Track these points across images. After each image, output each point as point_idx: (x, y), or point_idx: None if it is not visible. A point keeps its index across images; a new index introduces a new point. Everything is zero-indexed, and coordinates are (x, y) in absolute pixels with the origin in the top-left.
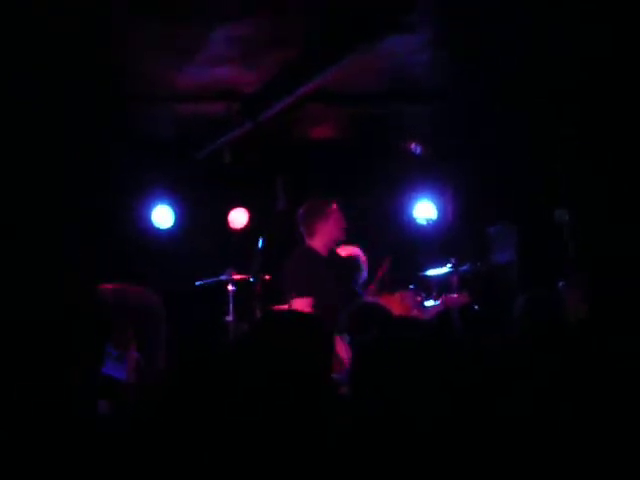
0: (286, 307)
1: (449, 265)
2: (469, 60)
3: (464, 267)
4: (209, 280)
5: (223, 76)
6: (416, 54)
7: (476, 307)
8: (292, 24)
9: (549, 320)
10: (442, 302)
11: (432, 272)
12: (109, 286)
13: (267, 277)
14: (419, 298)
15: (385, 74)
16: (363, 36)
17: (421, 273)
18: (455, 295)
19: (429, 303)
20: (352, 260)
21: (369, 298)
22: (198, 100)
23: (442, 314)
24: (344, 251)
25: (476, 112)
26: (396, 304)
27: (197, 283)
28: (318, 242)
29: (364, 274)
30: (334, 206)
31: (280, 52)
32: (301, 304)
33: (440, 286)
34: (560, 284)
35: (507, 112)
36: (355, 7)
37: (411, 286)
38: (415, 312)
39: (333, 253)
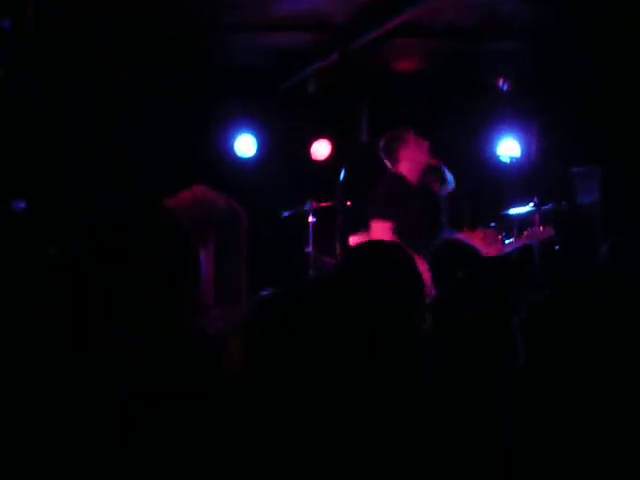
0: (363, 235)
1: (532, 204)
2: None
3: (547, 206)
4: (292, 211)
5: (312, 6)
6: None
7: (557, 247)
8: None
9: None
10: (526, 235)
11: (514, 211)
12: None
13: (348, 204)
14: (500, 236)
15: (475, 9)
16: None
17: (503, 212)
18: (540, 228)
19: (510, 241)
20: (435, 166)
21: (454, 235)
22: (286, 29)
23: (524, 250)
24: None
25: (567, 51)
26: (477, 241)
27: (284, 214)
28: (405, 169)
29: (450, 181)
30: (413, 133)
31: None
32: (381, 228)
33: (522, 225)
34: None
35: (598, 53)
36: None
37: (492, 224)
38: (496, 248)
39: (424, 185)
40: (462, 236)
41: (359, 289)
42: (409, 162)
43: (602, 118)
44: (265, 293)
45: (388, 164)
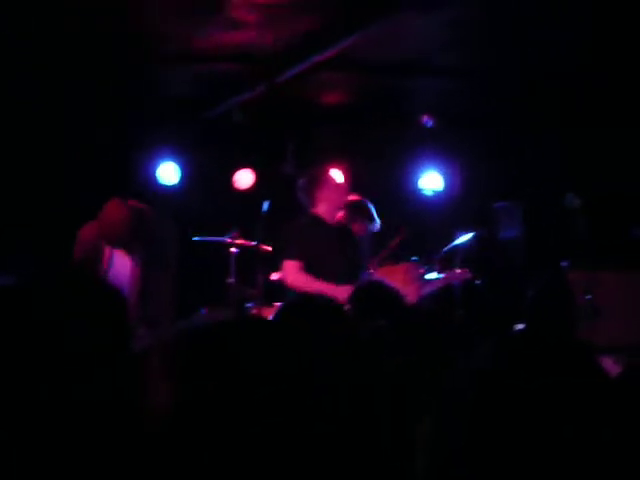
0: (278, 273)
1: (454, 239)
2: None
3: (469, 242)
4: (210, 238)
5: (241, 38)
6: (434, 29)
7: (478, 282)
8: None
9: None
10: (445, 277)
11: (437, 247)
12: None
13: (270, 241)
14: (421, 271)
15: (401, 46)
16: (384, 9)
17: (426, 246)
18: (458, 270)
19: (431, 276)
20: (361, 204)
21: (375, 275)
22: (214, 60)
23: (444, 289)
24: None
25: (490, 91)
26: (399, 276)
27: (196, 238)
28: (322, 209)
29: (375, 223)
30: (332, 174)
31: (300, 18)
32: (291, 267)
33: (442, 259)
34: (564, 264)
35: (522, 94)
36: None
37: (414, 258)
38: (416, 285)
39: (341, 225)
40: (383, 274)
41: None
42: (326, 202)
43: (523, 153)
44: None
45: (306, 204)
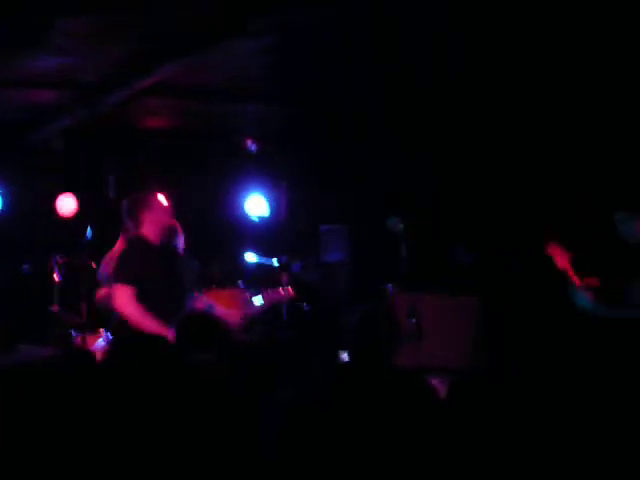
0: (105, 294)
1: (278, 261)
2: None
3: (295, 265)
4: (36, 267)
5: (58, 65)
6: (256, 57)
7: (305, 305)
8: (133, 22)
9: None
10: (268, 299)
11: (256, 260)
12: None
13: (94, 266)
14: (247, 295)
15: (224, 73)
16: (206, 38)
17: (251, 270)
18: (279, 290)
19: (256, 299)
20: (172, 227)
21: (201, 304)
22: (35, 86)
23: (270, 310)
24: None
25: (315, 116)
26: (225, 301)
27: (24, 267)
28: (147, 230)
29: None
30: (157, 196)
31: (121, 46)
32: (123, 292)
33: (268, 282)
34: (389, 287)
35: (345, 119)
36: (200, 9)
37: (239, 282)
38: (243, 310)
39: (167, 245)
40: (209, 298)
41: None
42: (151, 224)
43: (348, 178)
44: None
45: (130, 226)
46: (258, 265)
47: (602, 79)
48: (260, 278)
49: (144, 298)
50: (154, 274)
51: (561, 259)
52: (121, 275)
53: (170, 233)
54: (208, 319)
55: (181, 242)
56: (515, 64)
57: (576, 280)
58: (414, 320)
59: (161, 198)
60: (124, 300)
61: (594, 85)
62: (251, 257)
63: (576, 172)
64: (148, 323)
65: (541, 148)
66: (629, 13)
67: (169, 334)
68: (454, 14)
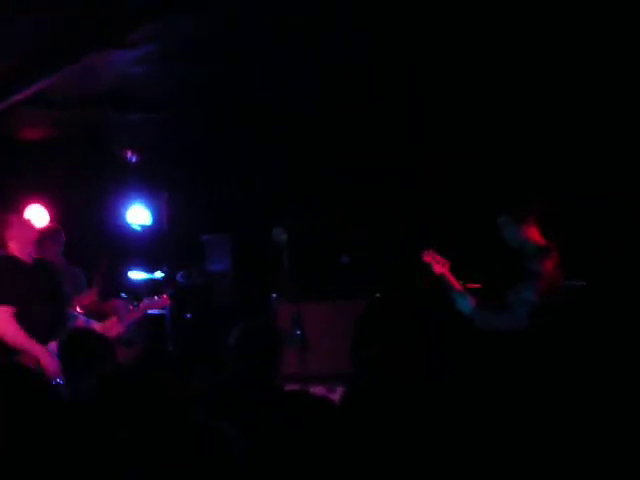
0: None
1: (160, 272)
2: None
3: (178, 275)
4: None
5: None
6: (134, 66)
7: (189, 315)
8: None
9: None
10: (143, 305)
11: (140, 276)
12: None
13: None
14: (131, 307)
15: (102, 81)
16: (82, 49)
17: (130, 277)
18: (155, 298)
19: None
20: (51, 229)
21: (80, 322)
22: None
23: (155, 320)
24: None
25: (195, 125)
26: (108, 312)
27: None
28: (15, 249)
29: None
30: (17, 213)
31: None
32: (3, 314)
33: (152, 293)
34: (274, 296)
35: (227, 129)
36: (72, 22)
37: (123, 294)
38: (121, 321)
39: (40, 261)
40: (85, 320)
41: None
42: (17, 242)
43: (230, 187)
44: None
45: None
46: (143, 280)
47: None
48: (144, 291)
49: (20, 318)
50: (28, 293)
51: (437, 266)
52: None
53: (51, 238)
54: (92, 336)
55: (61, 244)
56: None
57: (457, 285)
58: (298, 331)
59: (25, 214)
60: (3, 321)
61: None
62: (136, 274)
63: (459, 173)
64: (30, 345)
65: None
66: None
67: (45, 355)
68: None
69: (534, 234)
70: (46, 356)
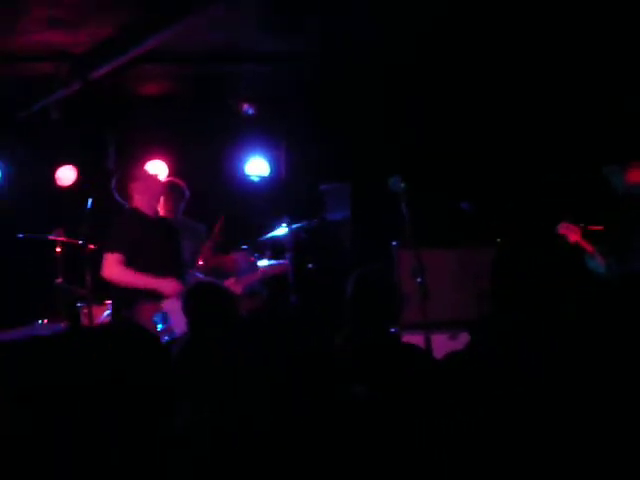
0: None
1: (283, 224)
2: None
3: (298, 225)
4: (34, 235)
5: (50, 37)
6: (250, 18)
7: (310, 265)
8: None
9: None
10: (262, 270)
11: (267, 233)
12: None
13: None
14: (252, 259)
15: (216, 35)
16: (196, 3)
17: (258, 236)
18: (276, 263)
19: (263, 263)
20: (174, 183)
21: (203, 268)
22: (25, 60)
23: (277, 277)
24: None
25: (309, 75)
26: (230, 265)
27: (19, 235)
28: (139, 203)
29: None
30: (143, 167)
31: (110, 15)
32: (110, 260)
33: (275, 245)
34: (394, 244)
35: (342, 77)
36: None
37: (244, 246)
38: (244, 276)
39: (161, 217)
40: (212, 265)
41: None
42: (142, 196)
43: (348, 136)
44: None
45: (123, 200)
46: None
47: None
48: (266, 243)
49: (142, 268)
50: (149, 245)
51: (573, 235)
52: (109, 244)
53: (173, 194)
54: (216, 289)
55: (183, 201)
56: None
57: (588, 247)
58: (419, 279)
59: (150, 168)
60: (111, 267)
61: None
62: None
63: (563, 127)
64: (141, 280)
65: (532, 102)
66: None
67: (167, 283)
68: None
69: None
70: (160, 282)
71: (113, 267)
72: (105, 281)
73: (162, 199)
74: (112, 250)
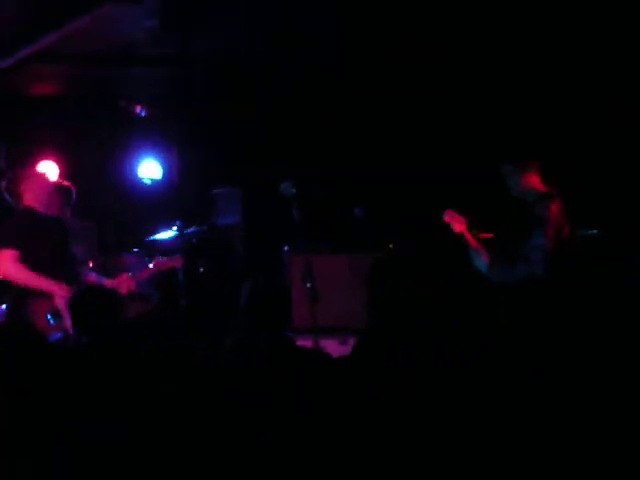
0: None
1: (175, 228)
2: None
3: (190, 229)
4: None
5: None
6: (142, 20)
7: (201, 269)
8: None
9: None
10: (155, 264)
11: (158, 236)
12: None
13: None
14: (141, 261)
15: (110, 36)
16: (89, 3)
17: (148, 238)
18: (168, 257)
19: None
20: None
21: (92, 278)
22: None
23: (168, 276)
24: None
25: (203, 77)
26: (121, 264)
27: None
28: (31, 201)
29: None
30: (33, 167)
31: (3, 14)
32: (5, 256)
33: (164, 249)
34: (285, 249)
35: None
36: None
37: (135, 249)
38: (133, 276)
39: (55, 216)
40: (98, 277)
41: None
42: (32, 194)
43: (239, 140)
44: None
45: (14, 202)
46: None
47: None
48: (157, 246)
49: (31, 267)
50: (42, 242)
51: (457, 225)
52: (2, 240)
53: (62, 194)
54: (102, 293)
55: (71, 202)
56: None
57: (472, 242)
58: (309, 284)
59: (40, 167)
60: (6, 263)
61: None
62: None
63: (462, 126)
64: (35, 280)
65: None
66: None
67: (59, 288)
68: None
69: (535, 182)
70: (55, 285)
71: (9, 263)
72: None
73: (50, 200)
74: (6, 246)
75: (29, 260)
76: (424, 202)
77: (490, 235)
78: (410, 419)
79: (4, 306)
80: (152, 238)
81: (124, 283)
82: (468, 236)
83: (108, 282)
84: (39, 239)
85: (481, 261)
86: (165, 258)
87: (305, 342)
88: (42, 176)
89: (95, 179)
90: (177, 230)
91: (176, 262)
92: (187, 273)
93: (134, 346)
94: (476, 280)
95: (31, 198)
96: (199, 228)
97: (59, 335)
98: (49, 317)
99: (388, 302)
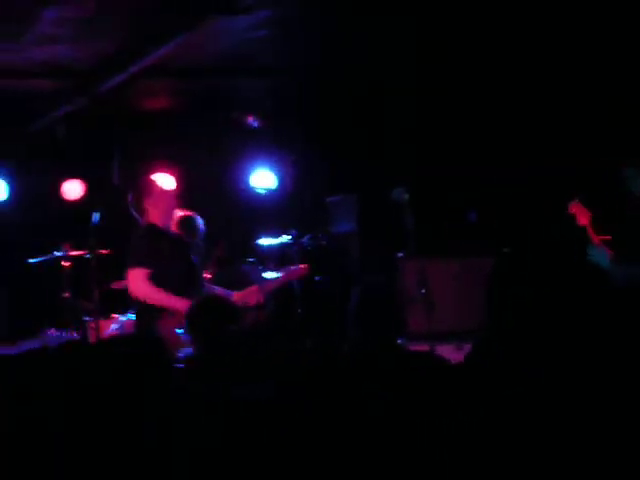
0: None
1: (289, 236)
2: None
3: (305, 238)
4: (43, 258)
5: (54, 54)
6: (251, 31)
7: (317, 278)
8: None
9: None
10: (284, 276)
11: (270, 242)
12: None
13: (104, 252)
14: (259, 272)
15: (220, 48)
16: (195, 17)
17: (259, 243)
18: (294, 266)
19: (269, 275)
20: (189, 219)
21: (211, 289)
22: (30, 76)
23: (284, 287)
24: (180, 213)
25: (315, 87)
26: (236, 279)
27: (31, 261)
28: (154, 218)
29: (201, 232)
30: (156, 181)
31: (112, 31)
32: (136, 275)
33: (279, 257)
34: (399, 255)
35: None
36: None
37: (251, 259)
38: (256, 287)
39: (179, 235)
40: (220, 280)
41: None
42: (157, 210)
43: (355, 148)
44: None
45: (138, 215)
46: (271, 246)
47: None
48: (272, 255)
49: (160, 283)
50: (167, 260)
51: (582, 217)
52: (132, 259)
53: (187, 224)
54: (222, 301)
55: (201, 229)
56: None
57: (595, 237)
58: (423, 290)
59: (162, 182)
60: (137, 282)
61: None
62: (266, 240)
63: (584, 130)
64: (166, 299)
65: (549, 104)
66: None
67: (183, 304)
68: None
69: None
70: (185, 303)
71: (139, 283)
72: (132, 297)
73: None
74: (136, 265)
75: (158, 278)
76: (537, 205)
77: (608, 237)
78: (531, 427)
79: (114, 325)
80: (265, 246)
81: (253, 295)
82: (590, 230)
83: (237, 295)
84: (167, 257)
85: (603, 255)
86: (294, 267)
87: (421, 348)
88: (168, 192)
89: (209, 190)
90: (292, 239)
91: (304, 272)
92: (303, 281)
93: (250, 354)
94: (597, 282)
95: (156, 215)
96: (314, 236)
97: (189, 350)
98: (179, 332)
99: (510, 307)
